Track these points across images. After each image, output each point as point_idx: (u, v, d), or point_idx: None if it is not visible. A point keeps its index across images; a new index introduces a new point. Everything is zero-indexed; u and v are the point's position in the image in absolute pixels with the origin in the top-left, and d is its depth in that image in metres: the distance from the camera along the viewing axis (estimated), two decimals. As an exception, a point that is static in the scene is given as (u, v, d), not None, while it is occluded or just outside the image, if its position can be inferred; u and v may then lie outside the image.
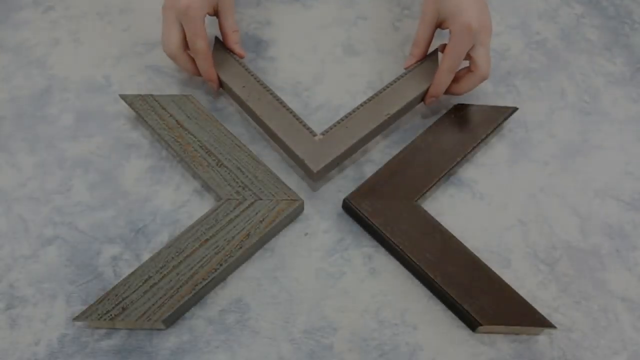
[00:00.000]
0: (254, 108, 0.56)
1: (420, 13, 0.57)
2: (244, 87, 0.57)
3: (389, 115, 0.56)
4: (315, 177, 0.54)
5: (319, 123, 0.63)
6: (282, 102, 0.57)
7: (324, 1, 0.76)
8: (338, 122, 0.56)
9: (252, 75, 0.58)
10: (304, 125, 0.55)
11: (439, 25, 0.57)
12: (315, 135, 0.55)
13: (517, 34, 0.74)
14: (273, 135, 0.56)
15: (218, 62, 0.59)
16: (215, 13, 0.58)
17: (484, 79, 0.56)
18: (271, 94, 0.57)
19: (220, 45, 0.60)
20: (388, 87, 0.58)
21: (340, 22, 0.74)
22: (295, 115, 0.56)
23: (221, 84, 0.60)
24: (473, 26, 0.52)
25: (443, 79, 0.56)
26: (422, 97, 0.59)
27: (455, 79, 0.58)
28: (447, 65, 0.55)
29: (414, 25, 0.74)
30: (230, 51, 0.60)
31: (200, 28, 0.54)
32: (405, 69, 0.59)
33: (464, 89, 0.58)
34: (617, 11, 0.78)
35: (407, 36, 0.72)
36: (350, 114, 0.56)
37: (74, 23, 0.72)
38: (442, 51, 0.58)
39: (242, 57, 0.59)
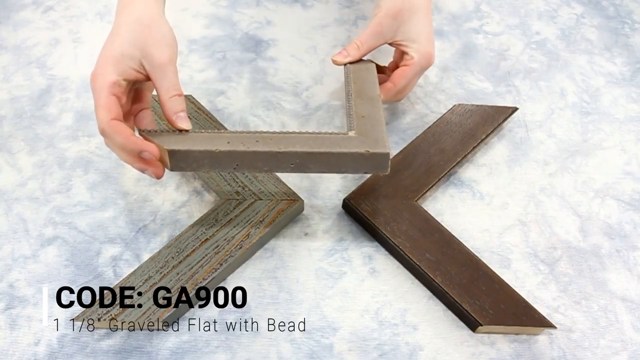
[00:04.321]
0: (268, 147, 0.43)
1: (373, 21, 0.54)
2: (228, 142, 0.43)
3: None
4: (386, 165, 0.44)
5: (318, 123, 0.63)
6: (291, 132, 0.45)
7: (324, 1, 0.76)
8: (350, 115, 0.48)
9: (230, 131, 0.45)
10: (328, 132, 0.45)
11: (390, 42, 0.56)
12: (346, 133, 0.45)
13: (517, 34, 0.74)
14: (310, 159, 0.43)
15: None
16: (147, 76, 0.44)
17: (397, 98, 0.58)
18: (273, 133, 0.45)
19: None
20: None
21: (340, 22, 0.74)
22: (312, 132, 0.45)
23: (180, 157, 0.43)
24: (433, 59, 0.55)
25: (392, 97, 0.57)
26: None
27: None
28: (401, 87, 0.55)
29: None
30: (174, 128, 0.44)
31: (102, 98, 0.41)
32: (334, 62, 0.56)
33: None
34: (617, 11, 0.78)
35: (407, 36, 0.72)
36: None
37: (74, 23, 0.72)
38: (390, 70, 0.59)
39: (185, 131, 0.44)
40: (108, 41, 0.43)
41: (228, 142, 0.43)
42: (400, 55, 0.57)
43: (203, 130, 0.45)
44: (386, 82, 0.56)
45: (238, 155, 0.42)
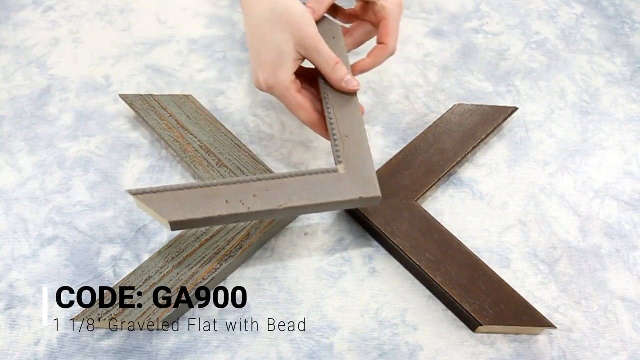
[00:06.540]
0: (266, 204, 0.43)
1: None
2: (227, 202, 0.43)
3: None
4: (377, 202, 0.46)
5: (319, 123, 0.63)
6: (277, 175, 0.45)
7: (324, 1, 0.76)
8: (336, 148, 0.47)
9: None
10: (319, 171, 0.46)
11: None
12: (336, 170, 0.46)
13: (517, 34, 0.74)
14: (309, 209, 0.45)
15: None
16: (304, 57, 0.47)
17: (392, 54, 0.53)
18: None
19: None
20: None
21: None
22: (304, 173, 0.45)
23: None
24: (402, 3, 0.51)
25: (389, 56, 0.53)
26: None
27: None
28: (395, 43, 0.51)
29: (414, 26, 0.74)
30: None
31: (292, 101, 0.46)
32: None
33: (375, 65, 0.53)
34: (617, 11, 0.78)
35: (407, 36, 0.72)
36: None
37: (74, 23, 0.72)
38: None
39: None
40: (256, 42, 0.45)
41: (227, 202, 0.43)
42: (364, 7, 0.52)
43: (194, 184, 0.43)
44: (379, 45, 0.52)
45: (238, 215, 0.43)
